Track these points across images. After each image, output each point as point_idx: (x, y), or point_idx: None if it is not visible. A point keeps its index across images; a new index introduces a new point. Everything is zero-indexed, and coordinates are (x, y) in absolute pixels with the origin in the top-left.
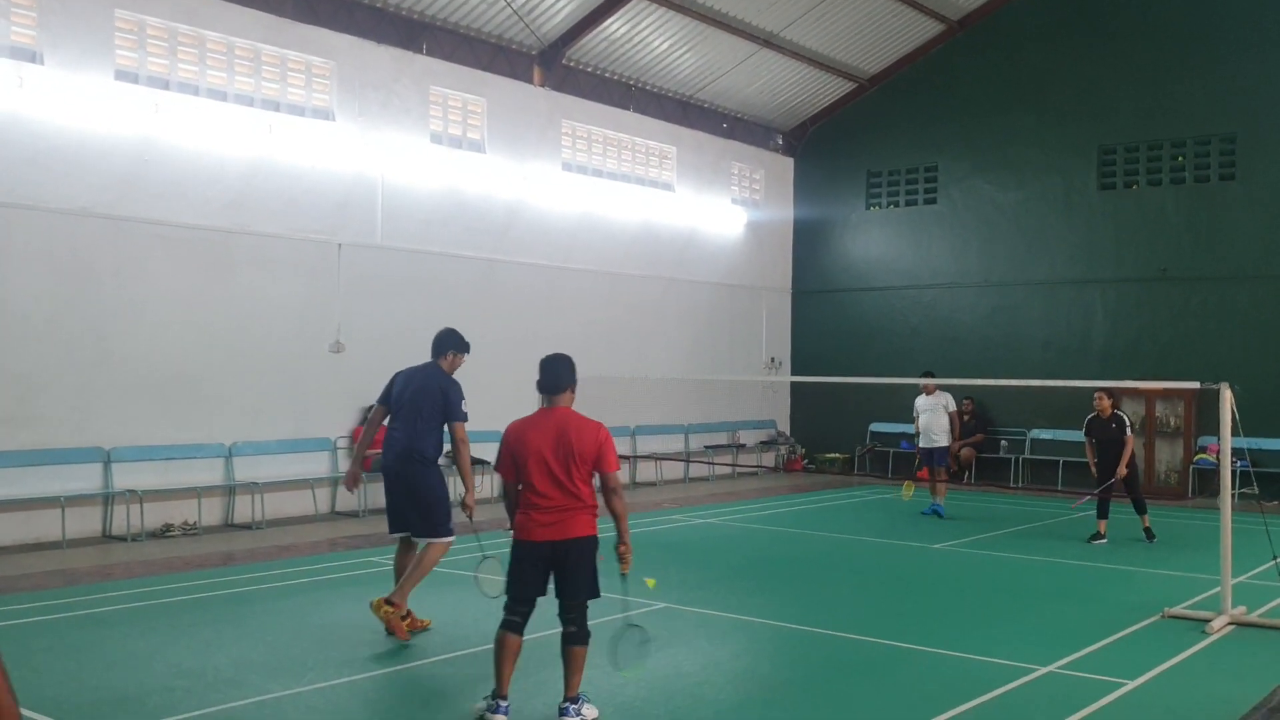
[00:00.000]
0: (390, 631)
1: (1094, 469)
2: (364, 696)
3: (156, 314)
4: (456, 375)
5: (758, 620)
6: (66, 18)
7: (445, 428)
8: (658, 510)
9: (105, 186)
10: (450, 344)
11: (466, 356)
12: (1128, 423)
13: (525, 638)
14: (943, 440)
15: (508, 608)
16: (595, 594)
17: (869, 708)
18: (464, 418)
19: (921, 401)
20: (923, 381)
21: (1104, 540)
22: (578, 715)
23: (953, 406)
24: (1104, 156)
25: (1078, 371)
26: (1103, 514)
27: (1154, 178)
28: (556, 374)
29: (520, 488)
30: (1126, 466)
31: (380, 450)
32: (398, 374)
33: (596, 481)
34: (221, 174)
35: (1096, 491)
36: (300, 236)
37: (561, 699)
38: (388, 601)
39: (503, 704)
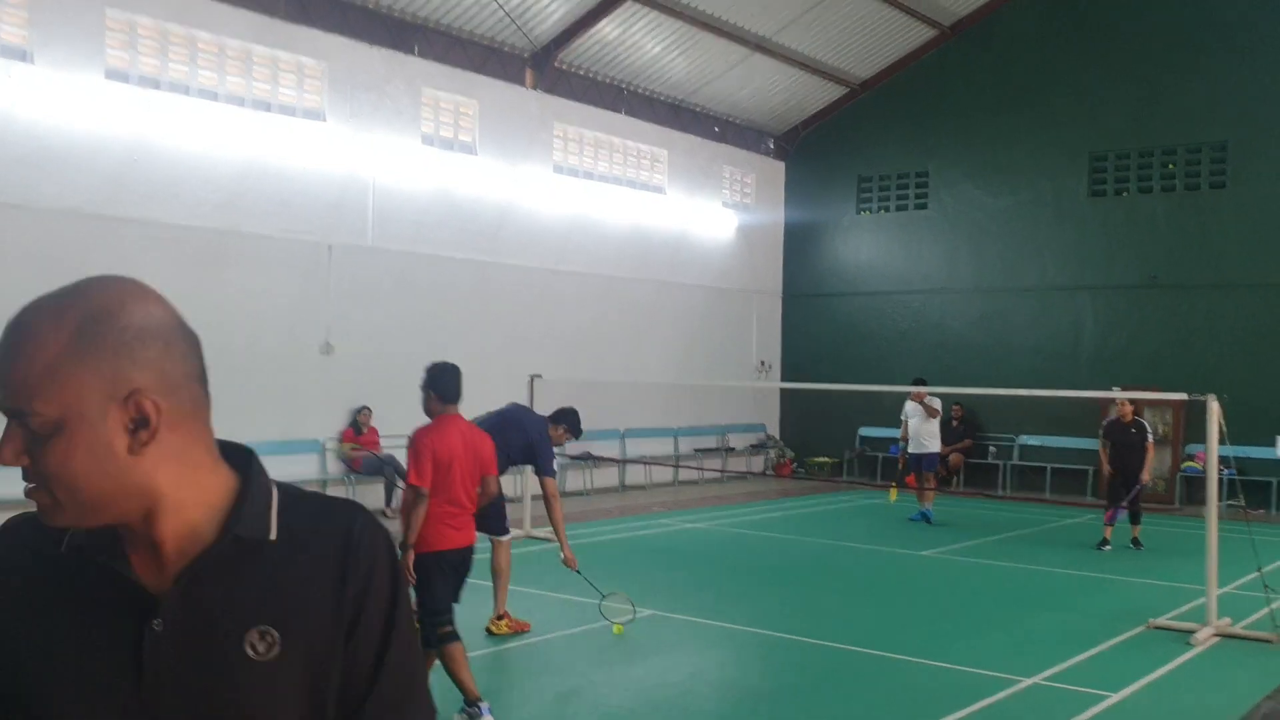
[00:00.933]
0: (519, 631)
1: (1105, 469)
2: None
3: None
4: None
5: (744, 628)
6: (57, 17)
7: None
8: (647, 514)
9: (96, 186)
10: (568, 421)
11: (572, 440)
12: (1149, 429)
13: (511, 645)
14: (932, 446)
15: (440, 623)
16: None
17: (850, 718)
18: (554, 474)
19: (910, 407)
20: (914, 390)
21: (1109, 547)
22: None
23: (936, 403)
24: (1095, 163)
25: (1066, 378)
26: (1110, 520)
27: (1145, 185)
28: (459, 382)
29: (433, 496)
30: (1148, 473)
31: (368, 451)
32: (513, 403)
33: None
34: (213, 174)
35: (1126, 502)
36: (292, 237)
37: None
38: (498, 617)
39: (484, 705)
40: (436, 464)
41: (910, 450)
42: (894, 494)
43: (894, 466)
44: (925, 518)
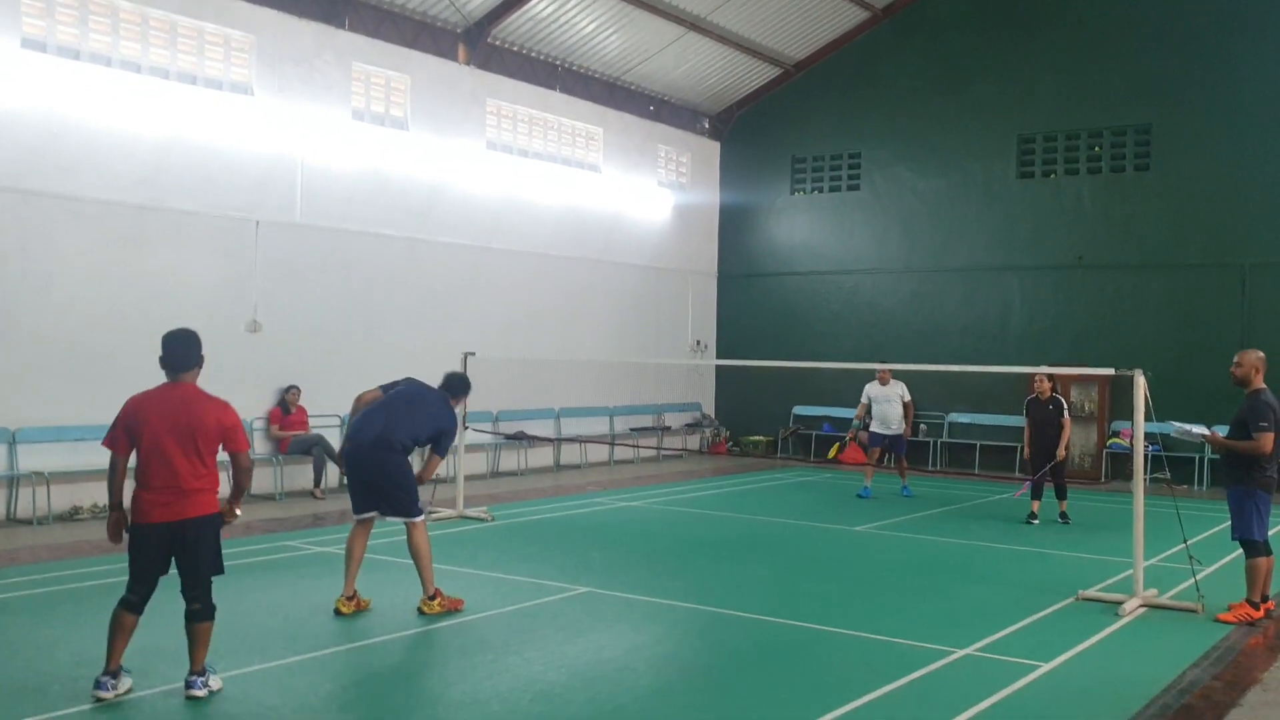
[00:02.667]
0: (452, 610)
1: (1029, 450)
2: (277, 684)
3: (65, 290)
4: None
5: (679, 604)
6: None
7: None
8: (582, 494)
9: (11, 159)
10: (464, 389)
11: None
12: (1065, 405)
13: (443, 624)
14: (900, 428)
15: (128, 586)
16: (218, 570)
17: (789, 690)
18: (444, 455)
19: (875, 390)
20: (880, 368)
21: (1038, 521)
22: (204, 687)
23: (908, 397)
24: (1023, 145)
25: (996, 357)
26: (1036, 495)
27: (1071, 167)
28: (185, 350)
29: (137, 466)
30: (1065, 449)
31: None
32: (408, 381)
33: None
34: (135, 148)
35: (1036, 477)
36: (217, 214)
37: (189, 673)
38: (430, 597)
39: (109, 681)
40: (128, 433)
41: (874, 430)
42: (835, 451)
43: (829, 444)
44: (905, 493)
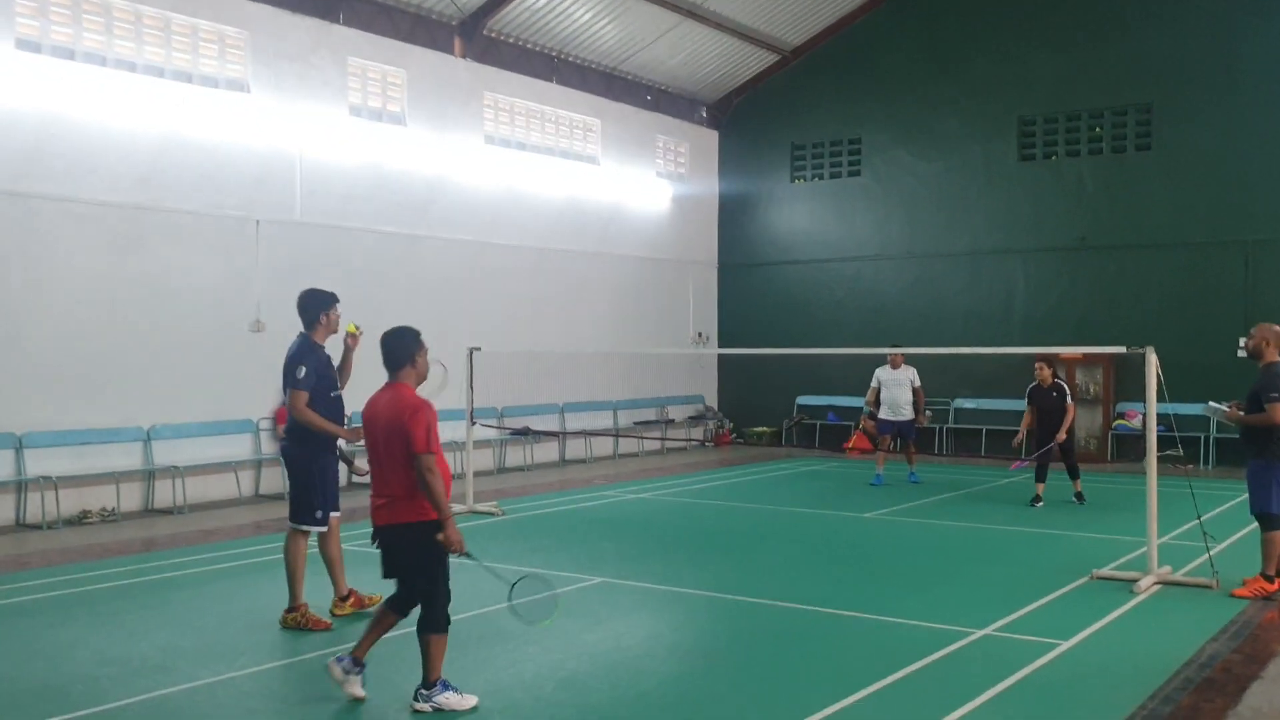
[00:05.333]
0: (311, 629)
1: (1023, 434)
2: (298, 679)
3: (67, 293)
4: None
5: (695, 592)
6: None
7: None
8: (588, 487)
9: (7, 161)
10: (318, 306)
11: (339, 305)
12: (1068, 391)
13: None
14: (910, 413)
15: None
16: (428, 587)
17: (811, 674)
18: (297, 385)
19: (886, 374)
20: (890, 352)
21: (1043, 504)
22: (426, 701)
23: (918, 382)
24: (1023, 127)
25: (1000, 340)
26: (1041, 478)
27: (1072, 148)
28: (389, 350)
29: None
30: (1065, 432)
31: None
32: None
33: None
34: (132, 148)
35: (1034, 456)
36: (216, 213)
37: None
38: (288, 611)
39: (344, 659)
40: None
41: (883, 416)
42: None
43: (833, 433)
44: (913, 479)
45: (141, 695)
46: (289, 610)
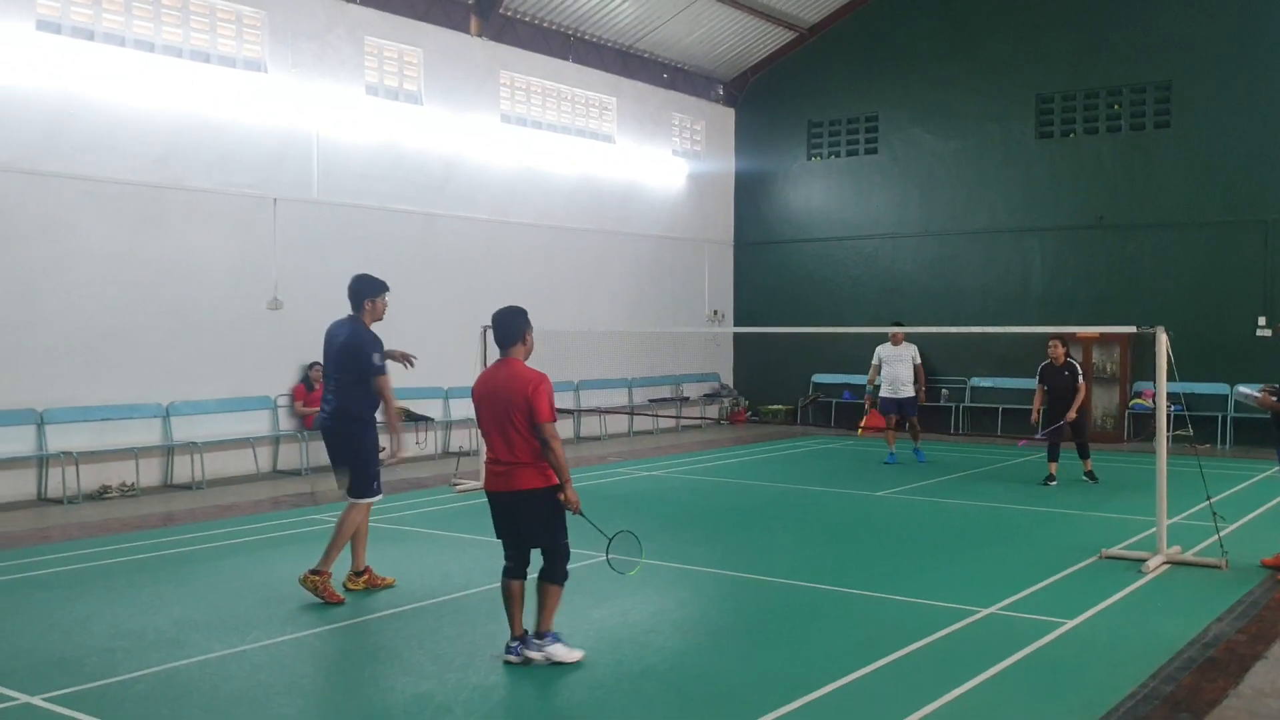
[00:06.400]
0: (323, 598)
1: (1036, 414)
2: (310, 653)
3: (87, 271)
4: (387, 316)
5: (704, 569)
6: None
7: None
8: (603, 464)
9: (28, 140)
10: (365, 292)
11: (388, 295)
12: (1080, 370)
13: (471, 590)
14: (910, 391)
15: (504, 554)
16: (551, 544)
17: (816, 650)
18: (380, 370)
19: (887, 351)
20: (891, 330)
21: (1055, 483)
22: (539, 650)
23: (919, 359)
24: (1041, 105)
25: (1017, 319)
26: (1053, 457)
27: (1090, 126)
28: (501, 327)
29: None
30: (1075, 411)
31: (319, 409)
32: (328, 328)
33: None
34: (151, 127)
35: (1043, 434)
36: (234, 191)
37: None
38: (313, 572)
39: (513, 645)
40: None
41: (885, 394)
42: (864, 422)
43: (849, 411)
44: (918, 457)
45: (155, 668)
46: (314, 572)
